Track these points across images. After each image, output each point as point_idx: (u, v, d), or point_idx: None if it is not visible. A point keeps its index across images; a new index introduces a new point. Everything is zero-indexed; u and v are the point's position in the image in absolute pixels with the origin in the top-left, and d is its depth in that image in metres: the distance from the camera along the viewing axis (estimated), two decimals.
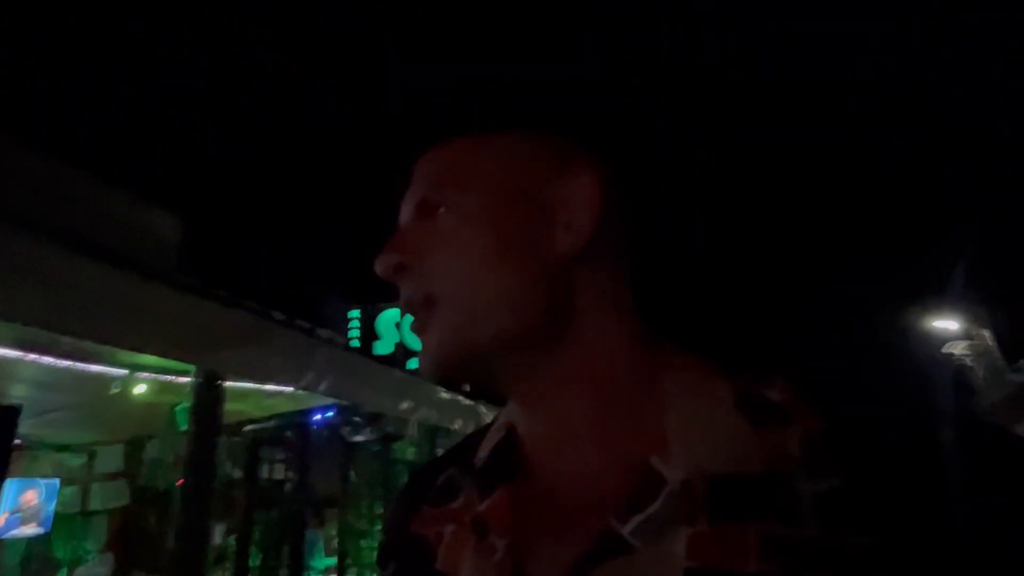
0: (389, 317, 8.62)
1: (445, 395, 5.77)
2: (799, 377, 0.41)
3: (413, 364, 7.88)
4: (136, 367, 4.34)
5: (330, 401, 4.85)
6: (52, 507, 4.71)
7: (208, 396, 3.62)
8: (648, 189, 0.47)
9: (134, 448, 4.79)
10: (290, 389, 4.40)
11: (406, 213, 0.47)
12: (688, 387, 0.41)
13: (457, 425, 5.89)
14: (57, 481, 4.78)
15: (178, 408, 3.89)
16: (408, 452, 5.60)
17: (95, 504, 4.94)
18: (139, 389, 4.56)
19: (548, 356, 0.43)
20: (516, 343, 0.42)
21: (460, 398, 6.12)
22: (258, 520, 3.98)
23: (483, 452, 0.48)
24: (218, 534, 4.04)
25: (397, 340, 8.57)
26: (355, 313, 8.75)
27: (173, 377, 4.46)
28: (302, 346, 3.96)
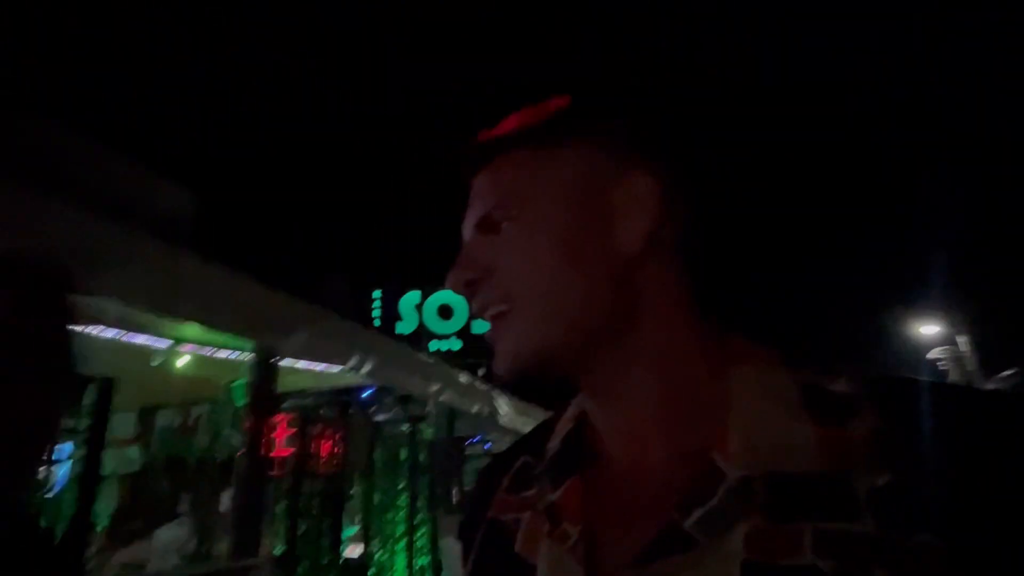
0: (410, 299, 8.86)
1: (464, 379, 6.02)
2: (862, 372, 0.42)
3: (434, 346, 8.12)
4: (179, 340, 4.52)
5: (361, 382, 5.07)
6: (64, 470, 4.69)
7: (264, 373, 3.82)
8: (707, 188, 0.48)
9: (146, 415, 4.93)
10: (322, 367, 4.61)
11: (469, 229, 0.49)
12: (752, 382, 0.42)
13: (474, 408, 6.16)
14: (71, 444, 4.81)
15: (235, 384, 4.07)
16: (427, 432, 5.86)
17: (107, 469, 5.06)
18: (182, 361, 4.74)
19: (616, 352, 0.45)
20: (586, 341, 0.45)
21: (477, 383, 6.38)
22: (304, 490, 4.22)
23: (554, 442, 0.51)
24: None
25: (418, 322, 8.81)
26: (377, 294, 8.93)
27: (213, 351, 4.66)
28: (351, 331, 4.19)
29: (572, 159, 0.46)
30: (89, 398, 3.19)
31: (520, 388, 7.33)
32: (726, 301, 0.48)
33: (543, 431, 0.54)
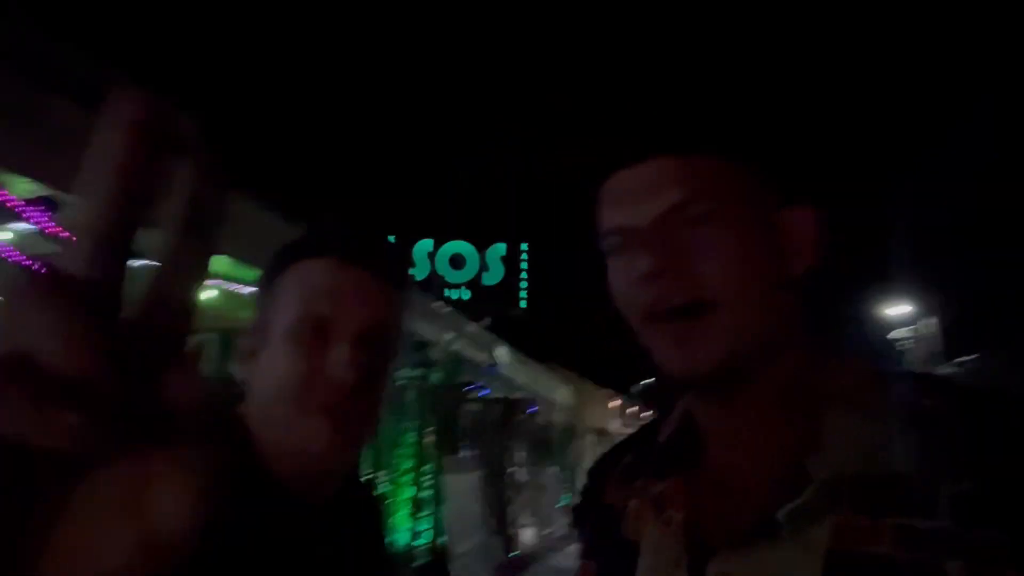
0: (422, 247, 8.93)
1: (473, 329, 6.31)
2: (949, 386, 0.46)
3: (450, 294, 8.23)
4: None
5: None
6: None
7: None
8: (836, 219, 0.51)
9: None
10: None
11: (650, 212, 0.46)
12: (845, 394, 0.45)
13: (479, 357, 6.48)
14: None
15: None
16: (435, 377, 6.17)
17: None
18: (209, 294, 4.88)
19: (756, 366, 0.47)
20: (763, 352, 0.47)
21: (484, 333, 6.68)
22: None
23: (661, 439, 0.55)
24: None
25: (429, 270, 8.92)
26: (390, 239, 8.95)
27: (239, 287, 4.80)
28: None
29: (745, 173, 0.47)
30: None
31: (516, 340, 7.67)
32: (835, 320, 0.58)
33: (649, 430, 0.58)
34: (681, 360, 0.46)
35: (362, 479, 0.79)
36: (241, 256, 3.62)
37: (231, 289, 4.80)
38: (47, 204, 2.49)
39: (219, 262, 4.34)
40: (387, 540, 0.81)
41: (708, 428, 0.51)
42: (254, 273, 4.07)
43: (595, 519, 0.58)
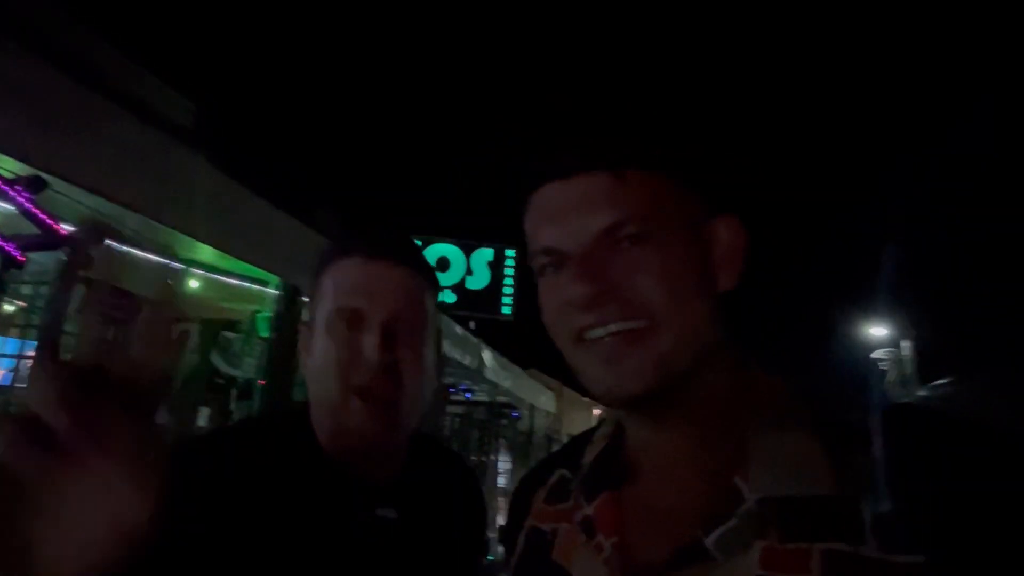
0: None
1: (459, 331, 6.28)
2: (873, 403, 0.44)
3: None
4: (191, 263, 4.59)
5: None
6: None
7: (289, 308, 3.96)
8: (757, 232, 0.50)
9: None
10: None
11: (582, 235, 0.46)
12: (770, 410, 0.45)
13: (465, 360, 6.45)
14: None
15: (260, 315, 4.20)
16: None
17: None
18: (193, 284, 4.82)
19: (694, 379, 0.47)
20: (699, 367, 0.46)
21: (469, 336, 6.65)
22: None
23: (588, 457, 0.53)
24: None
25: None
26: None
27: (224, 278, 4.75)
28: None
29: (674, 187, 0.47)
30: None
31: (500, 345, 7.66)
32: (756, 336, 0.49)
33: (578, 445, 0.56)
34: (613, 380, 0.45)
35: (441, 464, 0.82)
36: (225, 247, 3.59)
37: (214, 279, 4.75)
38: (31, 184, 2.43)
39: (204, 252, 4.28)
40: (471, 523, 0.82)
41: (638, 446, 0.50)
42: (236, 264, 4.03)
43: (523, 542, 0.56)
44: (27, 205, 2.47)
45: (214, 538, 0.59)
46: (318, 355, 0.68)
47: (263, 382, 3.84)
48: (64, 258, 2.82)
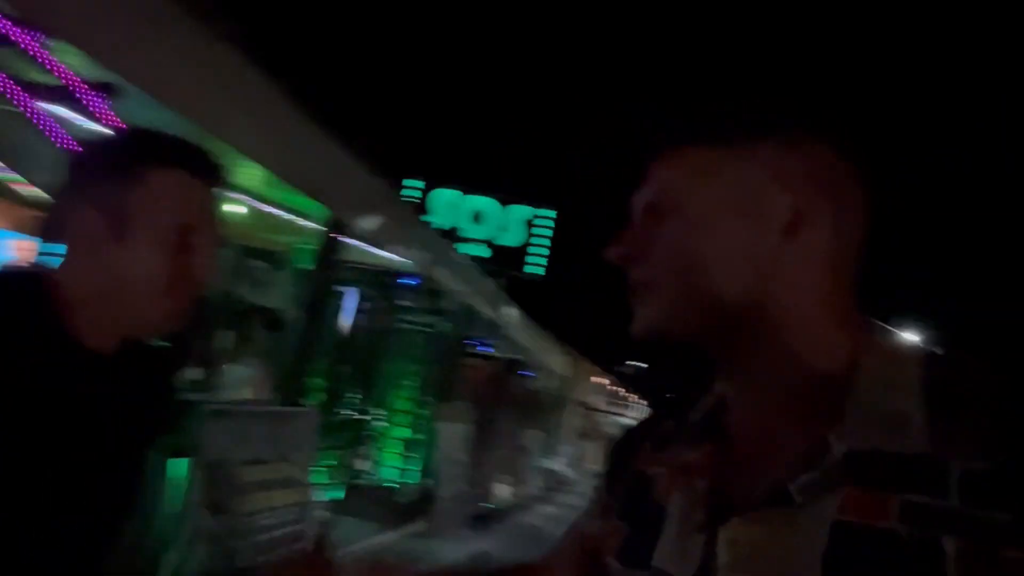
0: (446, 196, 8.81)
1: (490, 286, 6.32)
2: (980, 369, 0.46)
3: (461, 249, 8.24)
4: (236, 188, 4.61)
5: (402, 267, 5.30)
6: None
7: (333, 244, 4.00)
8: (850, 195, 0.51)
9: None
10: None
11: (638, 206, 0.55)
12: (878, 376, 0.46)
13: (489, 313, 6.52)
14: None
15: (302, 248, 4.24)
16: (444, 327, 6.22)
17: None
18: (238, 210, 4.86)
19: (754, 338, 0.50)
20: (716, 323, 0.51)
21: (498, 291, 6.70)
22: (346, 355, 4.56)
23: (696, 415, 0.58)
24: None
25: (448, 220, 8.81)
26: (414, 183, 8.86)
27: (268, 207, 4.78)
28: (415, 223, 4.36)
29: (739, 164, 0.51)
30: None
31: (525, 303, 7.70)
32: (881, 296, 0.54)
33: (686, 403, 0.61)
34: (635, 321, 0.54)
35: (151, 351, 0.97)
36: (277, 169, 3.57)
37: (257, 208, 4.78)
38: (104, 88, 2.44)
39: (249, 179, 4.30)
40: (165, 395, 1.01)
41: (734, 399, 0.55)
42: (283, 193, 4.03)
43: (628, 484, 0.62)
44: (102, 112, 2.49)
45: None
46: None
47: (299, 312, 3.91)
48: None
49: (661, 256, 0.52)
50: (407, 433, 5.85)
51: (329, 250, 3.98)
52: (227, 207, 4.45)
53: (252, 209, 4.87)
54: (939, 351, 0.49)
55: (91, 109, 2.50)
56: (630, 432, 0.69)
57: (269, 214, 4.94)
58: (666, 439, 0.60)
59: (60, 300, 0.79)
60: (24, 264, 0.99)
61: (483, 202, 8.55)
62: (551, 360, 9.86)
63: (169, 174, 0.81)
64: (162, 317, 0.83)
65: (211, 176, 0.85)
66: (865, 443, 0.43)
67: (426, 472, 6.08)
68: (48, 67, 2.37)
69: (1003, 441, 0.41)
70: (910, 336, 0.52)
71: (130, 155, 0.83)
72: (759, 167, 0.50)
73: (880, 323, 0.51)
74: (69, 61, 2.37)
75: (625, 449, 0.66)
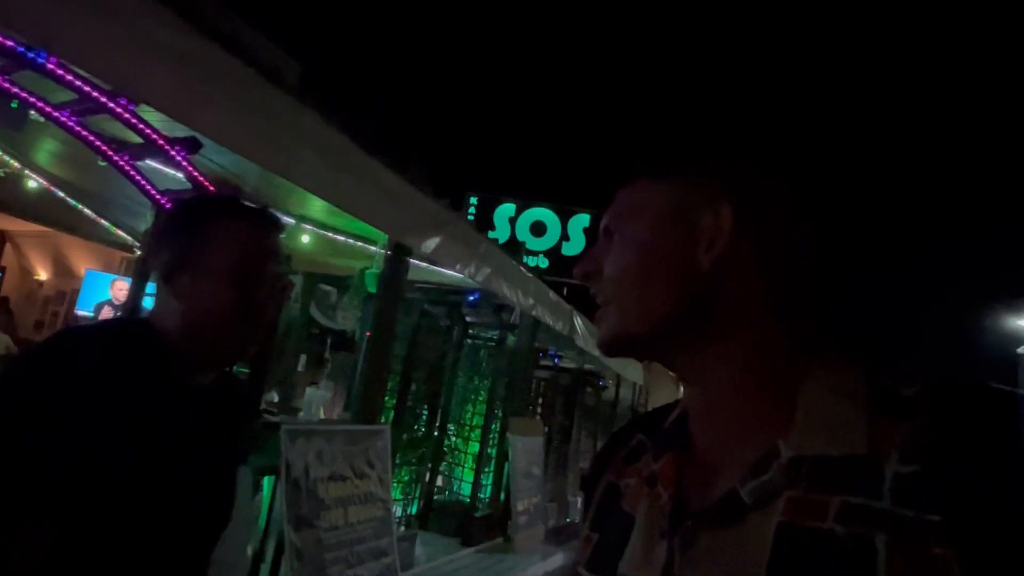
0: (505, 210, 9.01)
1: (553, 296, 6.31)
2: (935, 377, 0.47)
3: (531, 261, 8.35)
4: (303, 219, 4.89)
5: (467, 284, 5.41)
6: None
7: (397, 266, 4.15)
8: (788, 210, 0.53)
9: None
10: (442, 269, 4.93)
11: (601, 231, 0.61)
12: (826, 384, 0.49)
13: (557, 325, 6.50)
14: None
15: (368, 272, 4.44)
16: (512, 341, 6.26)
17: None
18: (304, 239, 5.16)
19: (701, 348, 0.53)
20: (663, 335, 0.55)
21: (562, 302, 6.67)
22: (417, 373, 4.70)
23: (666, 424, 0.61)
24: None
25: (509, 233, 9.00)
26: (474, 200, 9.12)
27: (333, 234, 5.03)
28: (476, 240, 4.45)
29: (672, 187, 0.56)
30: None
31: (590, 312, 7.59)
32: (829, 314, 0.53)
33: (660, 415, 0.64)
34: (598, 337, 0.60)
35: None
36: (339, 203, 3.77)
37: (323, 235, 5.04)
38: (188, 145, 2.68)
39: (314, 209, 4.54)
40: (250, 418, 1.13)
41: (692, 409, 0.57)
42: (345, 222, 4.22)
43: (601, 492, 0.65)
44: (185, 164, 2.74)
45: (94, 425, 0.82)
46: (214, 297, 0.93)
47: (369, 334, 4.07)
48: None
49: (609, 274, 0.57)
50: (479, 448, 5.92)
51: (394, 272, 4.13)
52: (296, 237, 4.70)
53: (318, 237, 5.16)
54: (887, 360, 0.50)
55: (175, 160, 2.75)
56: (606, 445, 0.72)
57: (335, 241, 5.22)
58: (637, 450, 0.63)
59: (163, 342, 0.92)
60: (125, 311, 1.18)
61: (542, 213, 8.61)
62: (624, 368, 9.69)
63: (234, 226, 0.95)
64: (240, 346, 0.96)
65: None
66: (811, 448, 0.46)
67: (501, 487, 6.11)
68: (135, 126, 2.64)
69: (930, 446, 0.43)
70: (861, 345, 0.52)
71: (203, 213, 0.98)
72: (689, 189, 0.55)
73: (831, 333, 0.53)
74: (150, 119, 2.63)
75: (601, 461, 0.69)
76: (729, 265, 0.52)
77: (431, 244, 4.10)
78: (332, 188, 3.52)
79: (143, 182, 2.86)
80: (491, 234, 9.36)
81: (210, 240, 0.94)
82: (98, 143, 2.72)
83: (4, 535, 0.78)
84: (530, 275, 5.67)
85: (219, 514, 1.05)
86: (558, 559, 5.95)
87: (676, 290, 0.53)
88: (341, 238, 5.26)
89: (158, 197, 3.09)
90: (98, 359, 0.87)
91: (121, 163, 2.82)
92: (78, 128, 2.65)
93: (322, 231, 5.21)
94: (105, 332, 1.00)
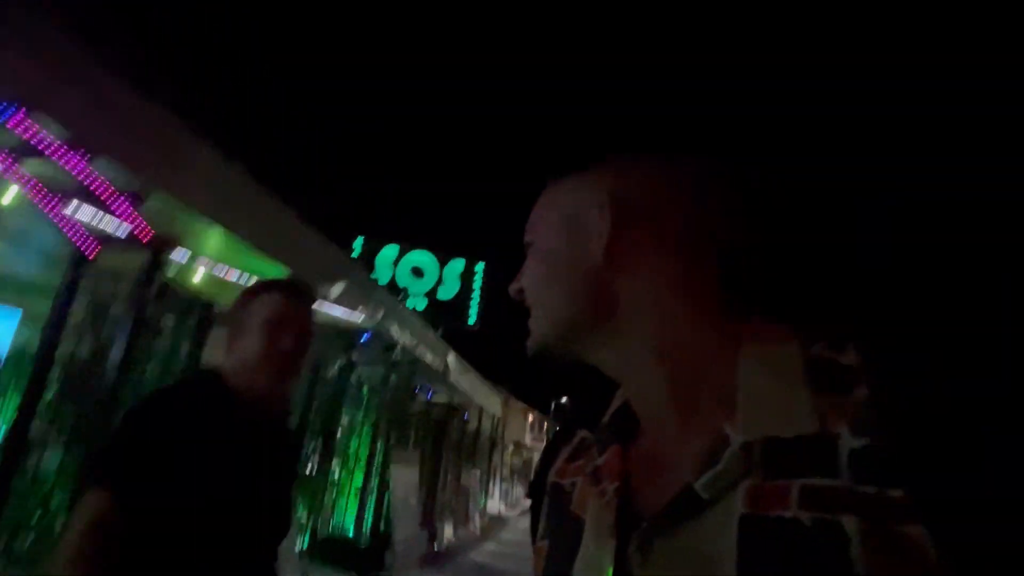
0: (387, 253, 9.23)
1: (433, 336, 6.85)
2: (870, 344, 0.45)
3: (410, 303, 8.61)
4: (198, 255, 4.94)
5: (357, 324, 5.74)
6: (8, 340, 4.00)
7: None
8: (669, 201, 0.54)
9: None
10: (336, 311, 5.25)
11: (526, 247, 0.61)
12: (761, 357, 0.47)
13: (434, 363, 7.01)
14: (19, 312, 4.08)
15: None
16: (394, 378, 6.66)
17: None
18: (197, 276, 5.16)
19: (614, 340, 0.53)
20: (574, 335, 0.55)
21: (440, 341, 7.22)
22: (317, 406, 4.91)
23: (606, 418, 0.59)
24: None
25: (390, 276, 9.24)
26: (359, 241, 9.20)
27: (227, 269, 5.12)
28: (372, 285, 4.88)
29: (563, 192, 0.58)
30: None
31: (462, 350, 8.23)
32: (749, 286, 0.52)
33: (599, 410, 0.61)
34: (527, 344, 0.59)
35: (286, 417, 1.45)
36: (236, 231, 3.93)
37: (217, 273, 5.08)
38: (133, 197, 2.85)
39: (210, 246, 4.63)
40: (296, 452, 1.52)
41: (632, 402, 0.55)
42: (244, 260, 4.44)
43: (547, 499, 0.63)
44: (130, 214, 2.90)
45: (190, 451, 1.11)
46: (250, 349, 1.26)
47: None
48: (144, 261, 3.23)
49: (526, 285, 0.59)
50: (361, 481, 6.17)
51: None
52: (189, 274, 4.72)
53: (211, 275, 5.16)
54: (814, 330, 0.48)
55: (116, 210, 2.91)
56: (547, 448, 0.70)
57: (228, 280, 5.25)
58: (580, 448, 0.62)
59: (229, 385, 1.26)
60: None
61: (422, 257, 9.09)
62: (487, 402, 10.37)
63: (266, 297, 1.28)
64: (271, 386, 1.25)
65: (298, 296, 1.32)
66: (759, 431, 0.43)
67: (381, 518, 6.39)
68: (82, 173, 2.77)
69: (879, 417, 0.40)
70: (786, 314, 0.51)
71: (250, 291, 1.32)
72: (578, 193, 0.56)
73: (755, 306, 0.51)
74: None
75: (544, 464, 0.67)
76: (621, 256, 0.52)
77: (337, 289, 4.47)
78: (259, 236, 3.81)
79: (75, 229, 2.92)
80: (372, 275, 9.63)
81: (252, 307, 1.27)
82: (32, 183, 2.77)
83: (133, 527, 1.03)
84: (415, 316, 6.18)
85: (281, 519, 1.35)
86: None
87: (576, 289, 0.54)
88: (236, 276, 5.30)
89: (81, 242, 3.13)
90: (185, 403, 1.20)
91: (50, 204, 2.87)
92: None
93: (217, 269, 5.22)
94: (190, 382, 1.40)
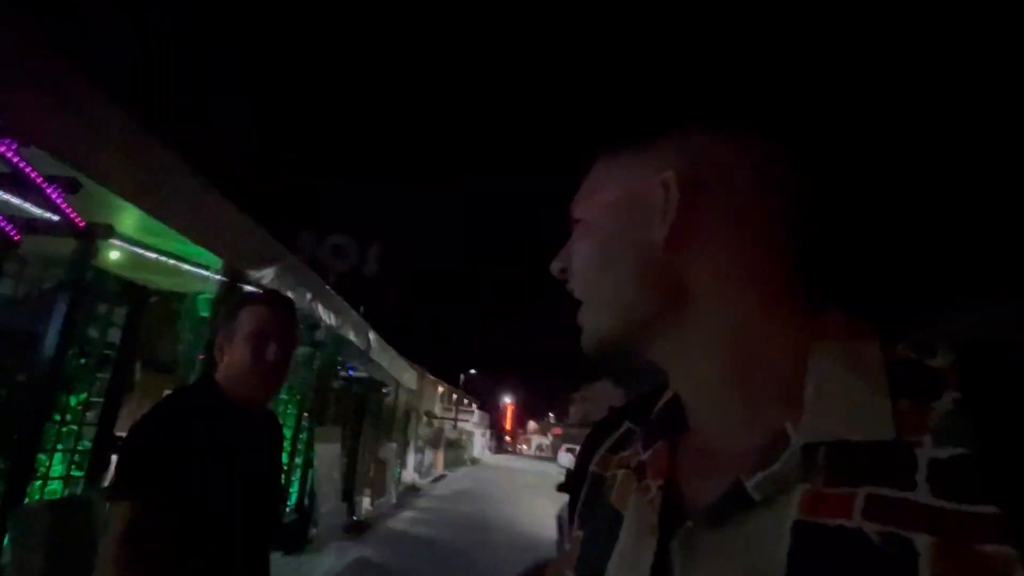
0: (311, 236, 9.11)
1: (355, 315, 6.93)
2: (964, 348, 0.41)
3: None
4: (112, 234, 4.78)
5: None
6: None
7: (232, 292, 4.42)
8: (743, 179, 0.48)
9: None
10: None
11: (572, 220, 0.56)
12: (834, 355, 0.42)
13: (358, 340, 7.10)
14: None
15: (200, 296, 4.57)
16: (320, 357, 6.73)
17: None
18: (114, 255, 4.98)
19: (676, 330, 0.48)
20: (640, 326, 0.49)
21: (361, 319, 7.31)
22: None
23: (656, 409, 0.56)
24: None
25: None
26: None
27: (143, 251, 4.99)
28: (303, 270, 4.91)
29: (622, 166, 0.52)
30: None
31: (381, 329, 8.41)
32: (833, 277, 0.47)
33: (648, 401, 0.58)
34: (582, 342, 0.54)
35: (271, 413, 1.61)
36: (158, 215, 3.89)
37: (136, 252, 4.92)
38: (67, 185, 2.78)
39: (127, 224, 4.50)
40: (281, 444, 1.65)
41: (684, 397, 0.52)
42: (166, 241, 4.37)
43: (586, 487, 0.60)
44: (57, 199, 2.84)
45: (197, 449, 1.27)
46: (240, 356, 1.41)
47: (202, 356, 4.30)
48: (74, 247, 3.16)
49: (575, 268, 0.53)
50: (288, 458, 6.26)
51: (229, 297, 4.41)
52: (106, 253, 4.61)
53: (130, 254, 4.98)
54: (899, 331, 0.44)
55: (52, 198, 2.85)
56: (589, 435, 0.67)
57: (147, 259, 5.08)
58: (625, 439, 0.59)
59: (222, 386, 1.45)
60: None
61: (341, 239, 9.11)
62: (403, 376, 10.59)
63: (252, 308, 1.44)
64: (257, 389, 1.47)
65: (281, 308, 1.47)
66: (825, 433, 0.40)
67: (306, 494, 6.53)
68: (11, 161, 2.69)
69: (972, 425, 0.37)
70: (869, 312, 0.45)
71: (237, 303, 1.49)
72: (637, 166, 0.51)
73: (836, 306, 0.46)
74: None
75: (585, 454, 0.64)
76: (688, 238, 0.47)
77: (269, 273, 4.50)
78: (188, 221, 3.77)
79: None
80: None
81: (240, 318, 1.42)
82: None
83: (149, 513, 1.17)
84: (340, 297, 6.25)
85: (273, 504, 1.57)
86: (354, 552, 6.60)
87: (638, 274, 0.49)
88: (153, 256, 5.12)
89: (5, 225, 2.99)
90: (187, 405, 1.41)
91: None
92: None
93: (135, 248, 5.01)
94: (194, 387, 1.57)
